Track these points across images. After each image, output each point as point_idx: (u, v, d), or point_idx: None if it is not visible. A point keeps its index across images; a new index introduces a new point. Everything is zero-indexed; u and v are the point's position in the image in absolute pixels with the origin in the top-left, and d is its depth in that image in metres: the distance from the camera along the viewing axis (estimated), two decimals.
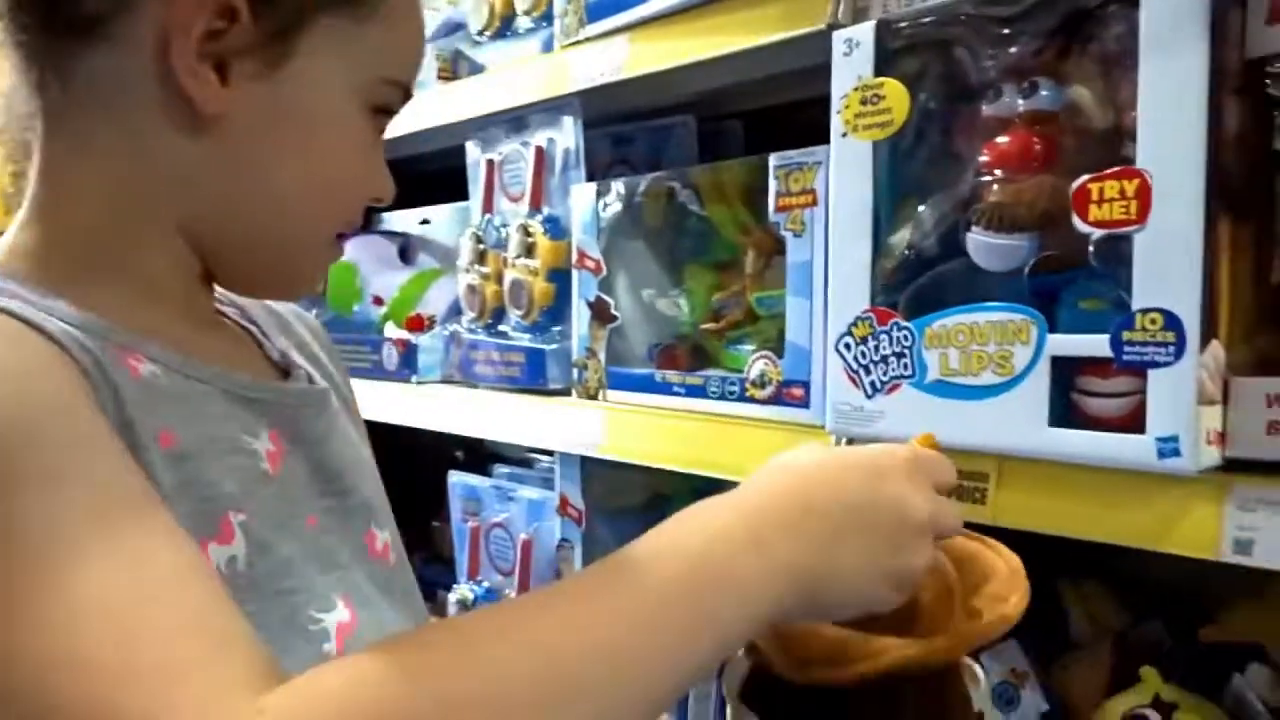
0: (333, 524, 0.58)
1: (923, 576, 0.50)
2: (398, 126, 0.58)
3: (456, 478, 1.34)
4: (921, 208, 0.76)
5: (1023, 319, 0.68)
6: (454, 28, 1.35)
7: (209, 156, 0.51)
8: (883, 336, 0.76)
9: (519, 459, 1.45)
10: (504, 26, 1.25)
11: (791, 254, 0.87)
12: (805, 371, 0.86)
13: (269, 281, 0.60)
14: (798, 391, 0.87)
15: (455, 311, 1.33)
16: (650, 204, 1.08)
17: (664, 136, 1.23)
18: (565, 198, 1.13)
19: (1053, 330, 0.67)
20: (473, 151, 1.27)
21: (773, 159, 0.88)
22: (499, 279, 1.20)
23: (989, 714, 0.89)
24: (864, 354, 0.77)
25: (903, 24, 0.76)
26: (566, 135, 1.12)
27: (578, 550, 1.13)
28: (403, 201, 0.73)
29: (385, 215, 1.50)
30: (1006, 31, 0.72)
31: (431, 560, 1.54)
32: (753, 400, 0.91)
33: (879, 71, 0.76)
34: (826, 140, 0.81)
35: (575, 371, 1.10)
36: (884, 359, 0.76)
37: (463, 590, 1.25)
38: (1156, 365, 0.62)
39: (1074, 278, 0.68)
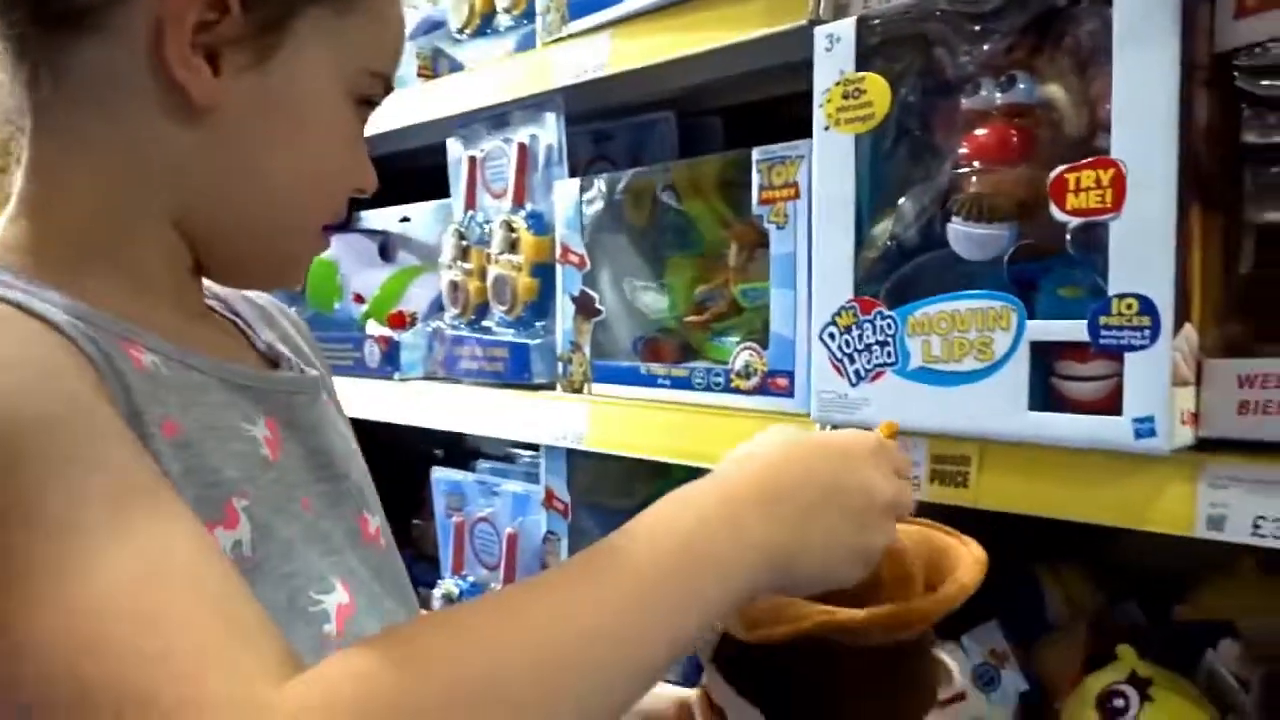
0: (327, 508, 0.58)
1: (883, 555, 0.54)
2: (380, 123, 0.59)
3: (440, 473, 1.35)
4: (902, 199, 0.78)
5: (1002, 306, 0.70)
6: (433, 26, 1.36)
7: (202, 147, 0.52)
8: (866, 325, 0.78)
9: (500, 454, 1.46)
10: (484, 24, 1.26)
11: (775, 246, 0.89)
12: (790, 361, 0.88)
13: (258, 271, 0.60)
14: (782, 381, 0.88)
15: (437, 308, 1.33)
16: (632, 199, 1.09)
17: (645, 132, 1.24)
18: (548, 194, 1.14)
19: (1032, 317, 0.70)
20: (454, 148, 1.28)
21: (755, 153, 0.90)
22: (482, 275, 1.20)
23: (971, 694, 0.91)
24: (848, 343, 0.79)
25: (882, 20, 0.77)
26: (549, 132, 1.13)
27: (564, 543, 1.14)
28: (383, 199, 0.74)
29: (365, 213, 1.50)
30: (981, 28, 0.74)
31: (416, 558, 1.54)
32: (738, 391, 0.92)
33: (860, 66, 0.78)
34: (805, 135, 0.83)
35: (560, 365, 1.11)
36: (868, 347, 0.78)
37: (448, 585, 1.26)
38: (1132, 349, 0.64)
39: (1052, 265, 0.70)
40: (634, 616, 0.43)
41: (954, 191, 0.74)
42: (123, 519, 0.40)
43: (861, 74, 0.78)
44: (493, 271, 1.17)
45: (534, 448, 1.28)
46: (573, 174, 1.13)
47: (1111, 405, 0.65)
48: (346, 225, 1.48)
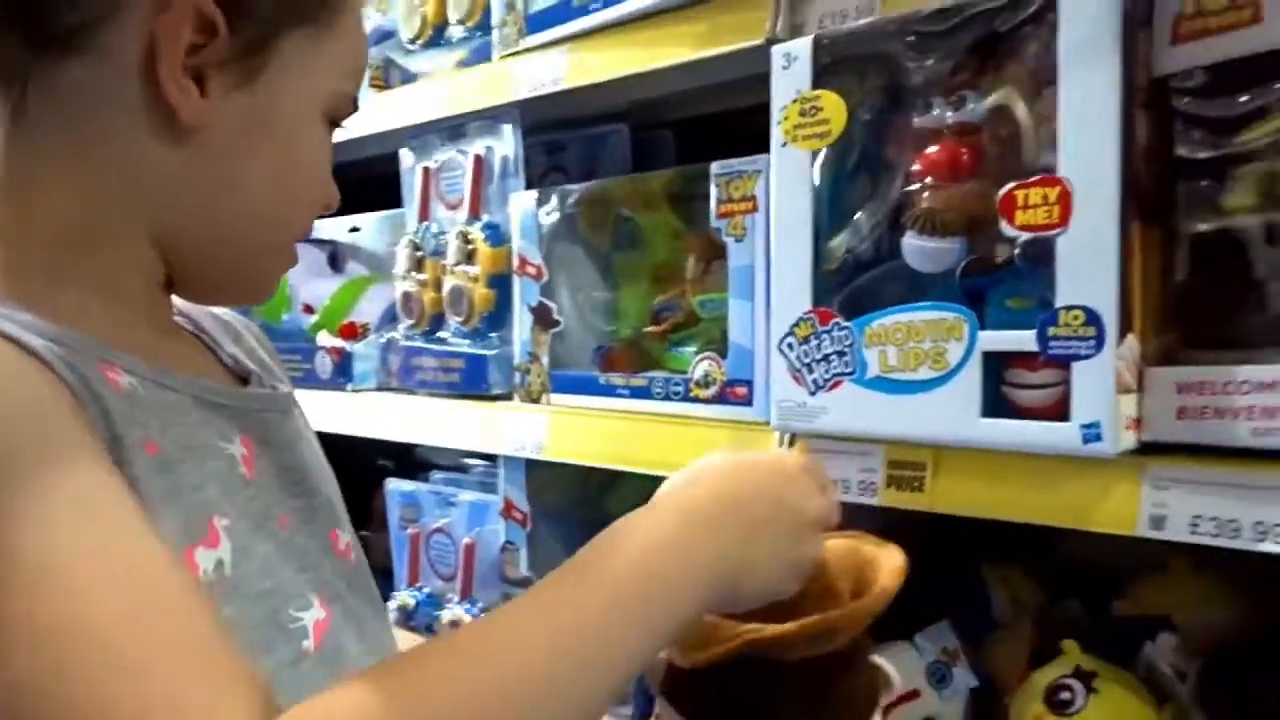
0: (301, 524, 0.59)
1: (815, 567, 0.57)
2: (337, 134, 0.61)
3: (394, 484, 1.34)
4: (858, 214, 0.81)
5: (955, 317, 0.73)
6: (384, 36, 1.35)
7: (186, 165, 0.52)
8: (824, 336, 0.80)
9: (451, 465, 1.46)
10: (436, 35, 1.26)
11: (733, 258, 0.91)
12: (749, 371, 0.90)
13: (233, 287, 0.61)
14: (741, 390, 0.90)
15: (390, 319, 1.33)
16: (588, 211, 1.10)
17: (597, 144, 1.25)
18: (504, 205, 1.14)
19: (983, 327, 0.72)
20: (406, 159, 1.28)
21: (714, 167, 0.91)
22: (437, 286, 1.20)
23: (925, 692, 0.94)
24: (806, 353, 0.81)
25: (837, 40, 0.80)
26: (505, 143, 1.14)
27: (523, 553, 1.15)
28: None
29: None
30: (932, 49, 0.77)
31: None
32: (697, 400, 0.94)
33: (816, 84, 0.80)
34: (756, 148, 0.86)
35: (518, 376, 1.11)
36: (826, 357, 0.80)
37: (403, 597, 1.25)
38: (1079, 358, 0.67)
39: (1002, 278, 0.73)
40: (592, 645, 0.47)
41: (907, 206, 0.77)
42: (101, 557, 0.40)
43: (818, 92, 0.80)
44: (448, 283, 1.18)
45: (487, 458, 1.29)
46: (528, 185, 1.14)
47: (1060, 412, 0.69)
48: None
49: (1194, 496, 0.65)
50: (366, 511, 1.49)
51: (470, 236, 1.15)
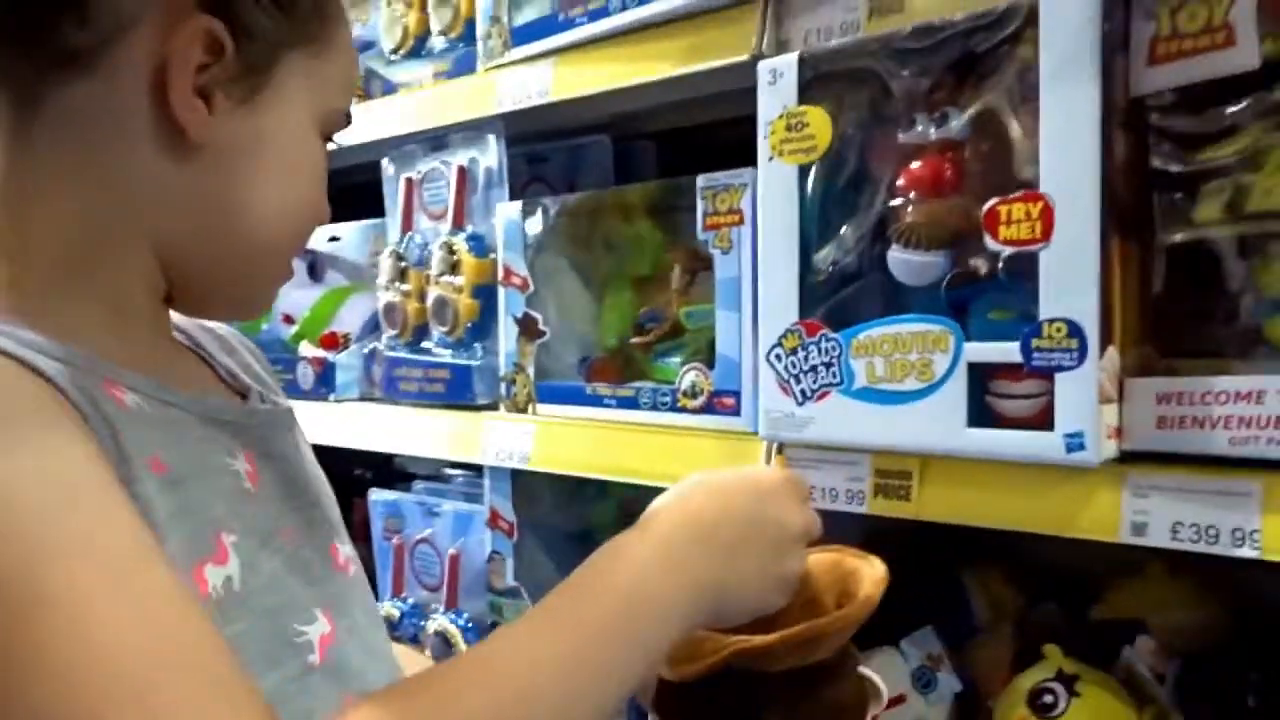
0: (304, 538, 0.59)
1: (799, 581, 0.58)
2: None
3: (377, 495, 1.34)
4: (844, 227, 0.82)
5: (941, 329, 0.75)
6: (365, 46, 1.35)
7: (191, 182, 0.52)
8: (811, 347, 0.81)
9: (432, 475, 1.45)
10: (418, 46, 1.26)
11: (720, 270, 0.92)
12: (736, 381, 0.91)
13: (231, 300, 0.61)
14: (729, 400, 0.91)
15: (372, 329, 1.32)
16: (572, 222, 1.11)
17: (580, 155, 1.26)
18: (488, 215, 1.15)
19: (968, 339, 0.74)
20: (388, 169, 1.28)
21: (700, 180, 0.93)
22: (421, 296, 1.20)
23: (910, 697, 0.96)
24: (794, 364, 0.83)
25: (822, 56, 0.81)
26: (489, 154, 1.14)
27: (509, 563, 1.15)
28: None
29: None
30: (916, 65, 0.78)
31: None
32: (684, 410, 0.95)
33: (802, 100, 0.81)
34: (737, 159, 0.87)
35: (504, 386, 1.12)
36: (813, 368, 0.82)
37: (388, 608, 1.25)
38: (1062, 369, 0.69)
39: (985, 290, 0.75)
40: (587, 668, 0.49)
41: (892, 220, 0.79)
42: (114, 586, 0.40)
43: (804, 107, 0.81)
44: (433, 293, 1.18)
45: (470, 468, 1.29)
46: (511, 196, 1.14)
47: (1044, 421, 0.70)
48: None
49: (1174, 504, 0.67)
50: (347, 522, 1.48)
51: (455, 247, 1.15)
